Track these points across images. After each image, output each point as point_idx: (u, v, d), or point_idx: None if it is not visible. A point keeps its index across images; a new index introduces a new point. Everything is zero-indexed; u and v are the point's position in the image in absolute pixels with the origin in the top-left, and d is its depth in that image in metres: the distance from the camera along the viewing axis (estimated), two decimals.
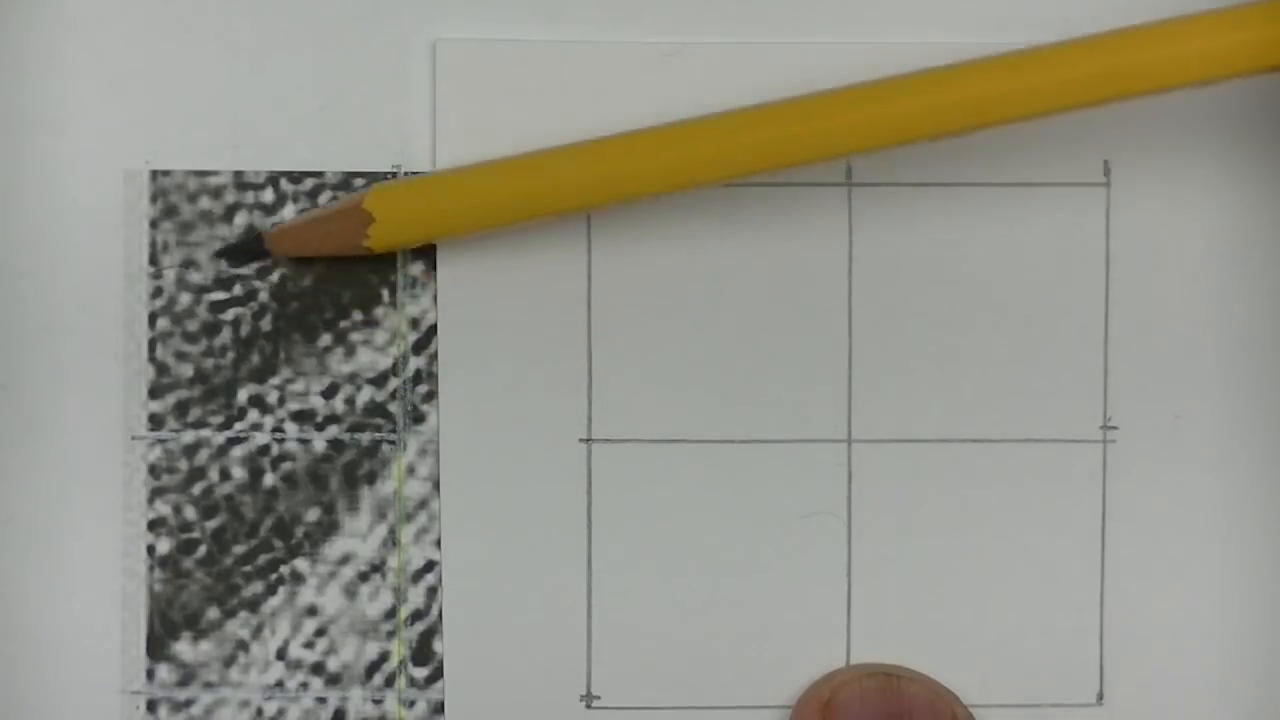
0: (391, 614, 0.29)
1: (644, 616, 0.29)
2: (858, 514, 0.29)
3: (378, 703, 0.29)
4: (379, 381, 0.29)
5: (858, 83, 0.26)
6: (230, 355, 0.29)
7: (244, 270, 0.29)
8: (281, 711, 0.29)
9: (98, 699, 0.29)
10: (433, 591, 0.29)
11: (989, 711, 0.28)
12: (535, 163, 0.27)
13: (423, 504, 0.29)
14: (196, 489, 0.29)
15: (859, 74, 0.28)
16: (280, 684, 0.29)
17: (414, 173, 0.28)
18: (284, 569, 0.29)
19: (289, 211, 0.29)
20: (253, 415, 0.29)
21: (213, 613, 0.29)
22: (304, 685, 0.29)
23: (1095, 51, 0.26)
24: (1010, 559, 0.29)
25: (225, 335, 0.29)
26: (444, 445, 0.28)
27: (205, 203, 0.29)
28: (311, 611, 0.29)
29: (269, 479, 0.29)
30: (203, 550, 0.29)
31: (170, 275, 0.29)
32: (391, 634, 0.29)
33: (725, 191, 0.28)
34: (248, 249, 0.28)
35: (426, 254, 0.29)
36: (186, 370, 0.29)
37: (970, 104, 0.26)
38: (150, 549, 0.29)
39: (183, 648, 0.29)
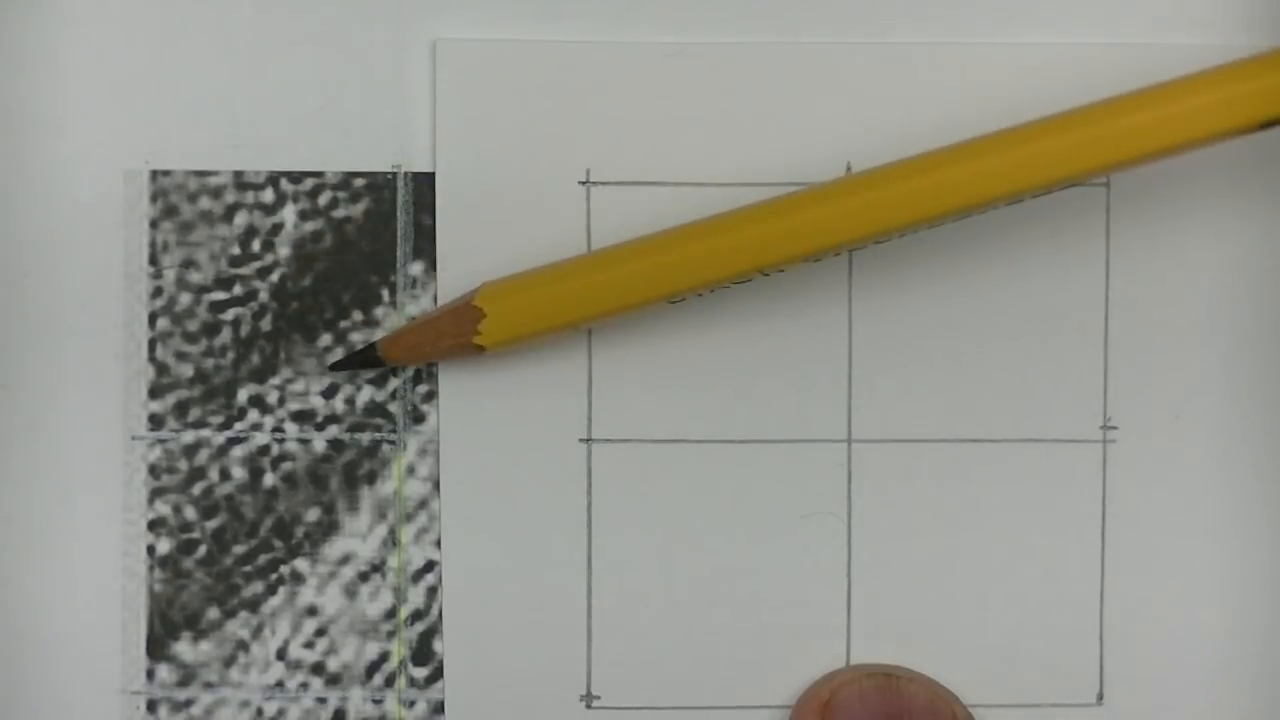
0: (391, 614, 0.29)
1: (644, 616, 0.29)
2: (858, 514, 0.29)
3: (378, 703, 0.29)
4: (379, 381, 0.29)
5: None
6: (230, 355, 0.29)
7: (244, 270, 0.29)
8: (281, 711, 0.29)
9: (98, 699, 0.29)
10: (433, 591, 0.29)
11: (989, 711, 0.28)
12: (644, 247, 0.27)
13: (423, 504, 0.29)
14: (196, 489, 0.29)
15: (859, 74, 0.28)
16: (280, 684, 0.29)
17: (417, 174, 0.28)
18: (284, 569, 0.29)
19: (289, 211, 0.29)
20: (253, 415, 0.29)
21: (213, 613, 0.29)
22: (304, 685, 0.29)
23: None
24: (1010, 559, 0.29)
25: (225, 335, 0.29)
26: (444, 445, 0.28)
27: (205, 203, 0.29)
28: (311, 611, 0.29)
29: (269, 479, 0.29)
30: (203, 550, 0.29)
31: (170, 275, 0.29)
32: (391, 634, 0.29)
33: (725, 191, 0.28)
34: (363, 359, 0.28)
35: (427, 254, 0.29)
36: (186, 370, 0.29)
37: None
38: (150, 549, 0.29)
39: (183, 648, 0.29)
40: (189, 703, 0.29)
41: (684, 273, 0.26)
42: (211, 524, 0.29)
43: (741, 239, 0.26)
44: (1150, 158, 0.25)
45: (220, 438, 0.29)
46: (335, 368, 0.28)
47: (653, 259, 0.27)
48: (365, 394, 0.29)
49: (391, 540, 0.29)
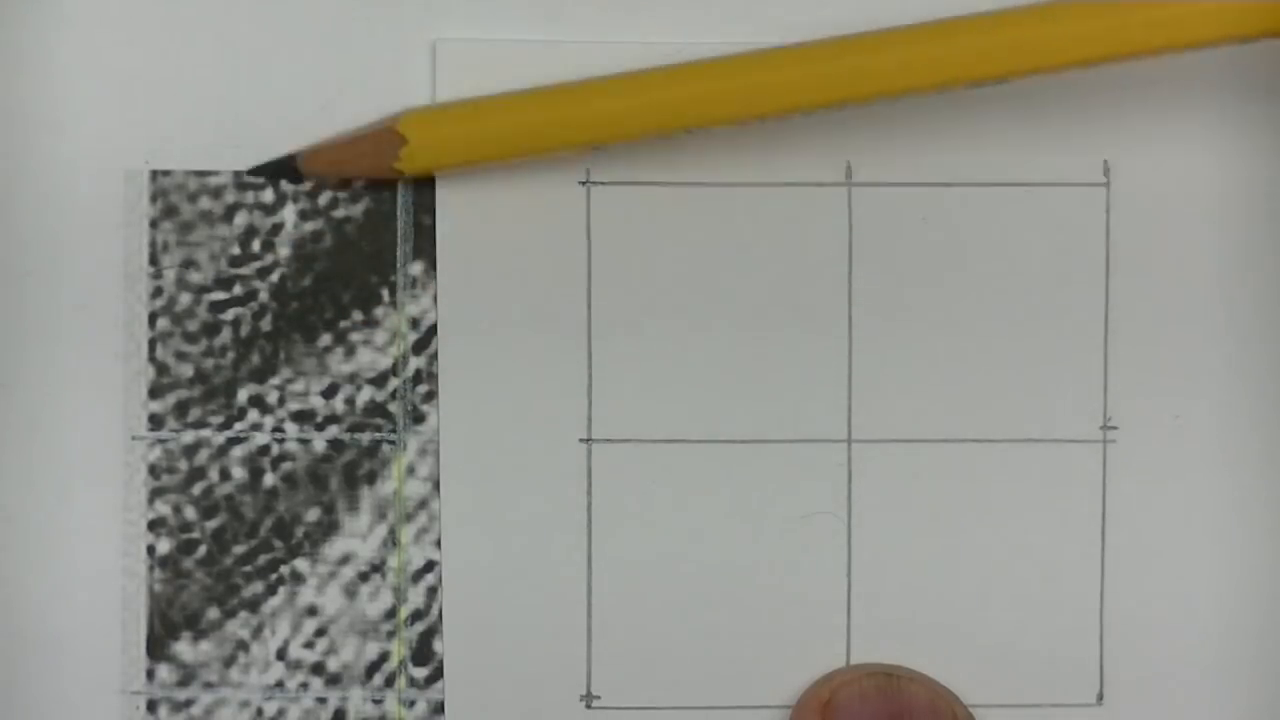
0: (391, 614, 0.29)
1: (644, 616, 0.29)
2: (858, 514, 0.29)
3: (378, 703, 0.29)
4: (379, 381, 0.29)
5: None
6: (230, 355, 0.29)
7: (244, 270, 0.29)
8: (281, 711, 0.29)
9: (98, 699, 0.29)
10: (433, 591, 0.29)
11: (989, 711, 0.28)
12: (570, 91, 0.27)
13: (423, 504, 0.29)
14: (196, 489, 0.29)
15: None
16: (280, 684, 0.29)
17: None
18: (284, 569, 0.29)
19: (289, 211, 0.29)
20: (253, 415, 0.29)
21: (213, 613, 0.29)
22: (304, 685, 0.29)
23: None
24: (1010, 559, 0.29)
25: (225, 335, 0.29)
26: (444, 445, 0.28)
27: (205, 203, 0.29)
28: (311, 611, 0.29)
29: (269, 479, 0.29)
30: (203, 550, 0.29)
31: (170, 275, 0.29)
32: (391, 634, 0.29)
33: (725, 191, 0.28)
34: (280, 169, 0.28)
35: (427, 254, 0.29)
36: (186, 370, 0.29)
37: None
38: (150, 549, 0.29)
39: (183, 648, 0.29)
40: (189, 703, 0.29)
41: (606, 122, 0.27)
42: (211, 524, 0.29)
43: (664, 94, 0.26)
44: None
45: (220, 438, 0.29)
46: (254, 173, 0.28)
47: (581, 104, 0.27)
48: (365, 394, 0.29)
49: (391, 540, 0.29)
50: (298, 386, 0.29)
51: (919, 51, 0.26)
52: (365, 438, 0.29)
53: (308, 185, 0.29)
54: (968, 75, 0.26)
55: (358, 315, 0.29)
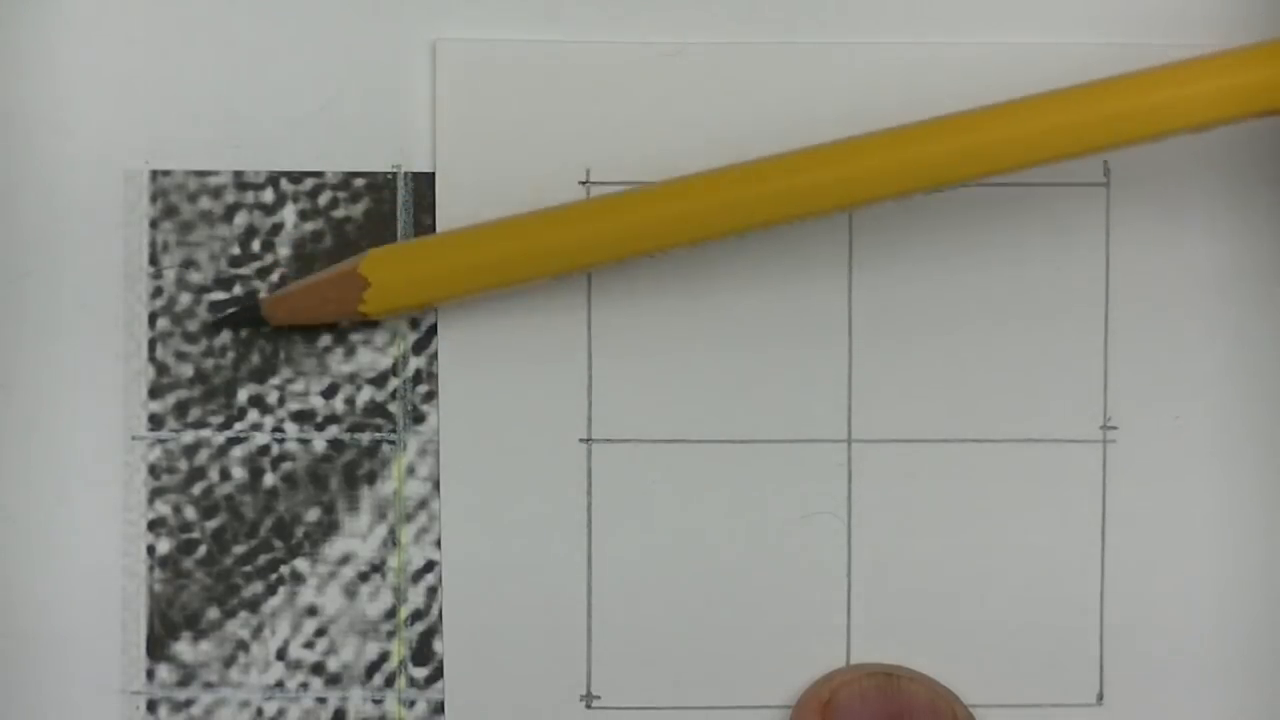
0: (391, 614, 0.29)
1: (644, 616, 0.29)
2: (858, 514, 0.29)
3: (378, 703, 0.29)
4: (379, 381, 0.29)
5: (853, 137, 0.26)
6: (230, 355, 0.29)
7: (244, 270, 0.29)
8: (281, 711, 0.29)
9: (98, 699, 0.29)
10: (433, 591, 0.29)
11: (989, 711, 0.28)
12: (533, 223, 0.27)
13: (423, 504, 0.29)
14: (196, 489, 0.29)
15: (858, 75, 0.28)
16: (280, 684, 0.29)
17: (417, 174, 0.28)
18: (284, 569, 0.29)
19: (289, 211, 0.29)
20: (253, 415, 0.29)
21: (213, 613, 0.29)
22: (304, 685, 0.29)
23: (1091, 98, 0.26)
24: (1010, 559, 0.29)
25: (225, 335, 0.29)
26: (444, 445, 0.28)
27: (205, 203, 0.29)
28: (311, 611, 0.29)
29: (269, 479, 0.29)
30: (203, 550, 0.29)
31: (170, 275, 0.29)
32: (391, 634, 0.29)
33: None
34: (244, 317, 0.28)
35: None
36: (186, 370, 0.29)
37: (969, 153, 0.26)
38: (150, 549, 0.29)
39: (183, 648, 0.29)
40: (189, 703, 0.29)
41: (572, 252, 0.27)
42: (211, 524, 0.29)
43: (630, 220, 0.26)
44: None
45: (220, 438, 0.29)
46: (216, 324, 0.28)
47: (543, 232, 0.27)
48: (365, 394, 0.29)
49: (391, 540, 0.29)
50: (298, 386, 0.29)
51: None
52: (365, 438, 0.29)
53: (308, 185, 0.29)
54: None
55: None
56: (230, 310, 0.28)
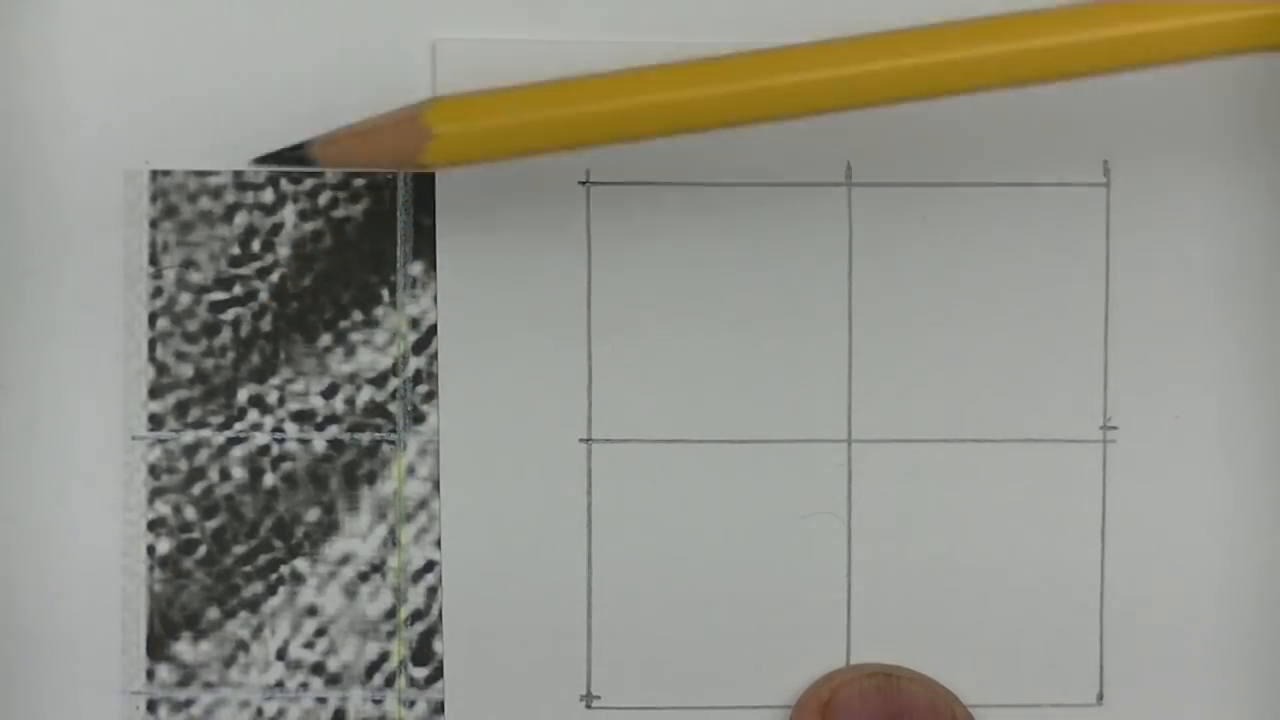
0: (391, 614, 0.29)
1: (644, 616, 0.29)
2: (858, 514, 0.29)
3: (378, 703, 0.29)
4: (379, 381, 0.29)
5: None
6: (230, 355, 0.29)
7: (244, 270, 0.29)
8: (281, 711, 0.29)
9: (98, 699, 0.29)
10: (433, 591, 0.29)
11: (989, 711, 0.28)
12: (604, 84, 0.26)
13: (423, 504, 0.29)
14: (196, 489, 0.29)
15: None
16: (280, 684, 0.29)
17: (417, 174, 0.28)
18: (284, 569, 0.29)
19: (289, 211, 0.29)
20: (253, 415, 0.29)
21: (213, 613, 0.29)
22: (304, 685, 0.29)
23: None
24: (1010, 559, 0.29)
25: (225, 335, 0.29)
26: (444, 445, 0.28)
27: (205, 203, 0.29)
28: (311, 611, 0.29)
29: (269, 479, 0.29)
30: (203, 550, 0.29)
31: (170, 275, 0.29)
32: (391, 634, 0.29)
33: (725, 191, 0.28)
34: (292, 156, 0.26)
35: (426, 254, 0.29)
36: (186, 370, 0.29)
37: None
38: (150, 549, 0.29)
39: (183, 648, 0.29)
40: (189, 703, 0.29)
41: (649, 116, 0.25)
42: (211, 524, 0.29)
43: (713, 90, 0.25)
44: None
45: (220, 438, 0.29)
46: (261, 161, 0.27)
47: (622, 98, 0.25)
48: (365, 394, 0.29)
49: (391, 540, 0.29)
50: (298, 386, 0.29)
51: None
52: (365, 438, 0.29)
53: (307, 185, 0.29)
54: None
55: (358, 315, 0.29)
56: (276, 151, 0.27)
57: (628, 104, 0.25)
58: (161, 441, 0.29)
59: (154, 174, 0.29)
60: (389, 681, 0.29)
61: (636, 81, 0.26)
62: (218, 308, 0.29)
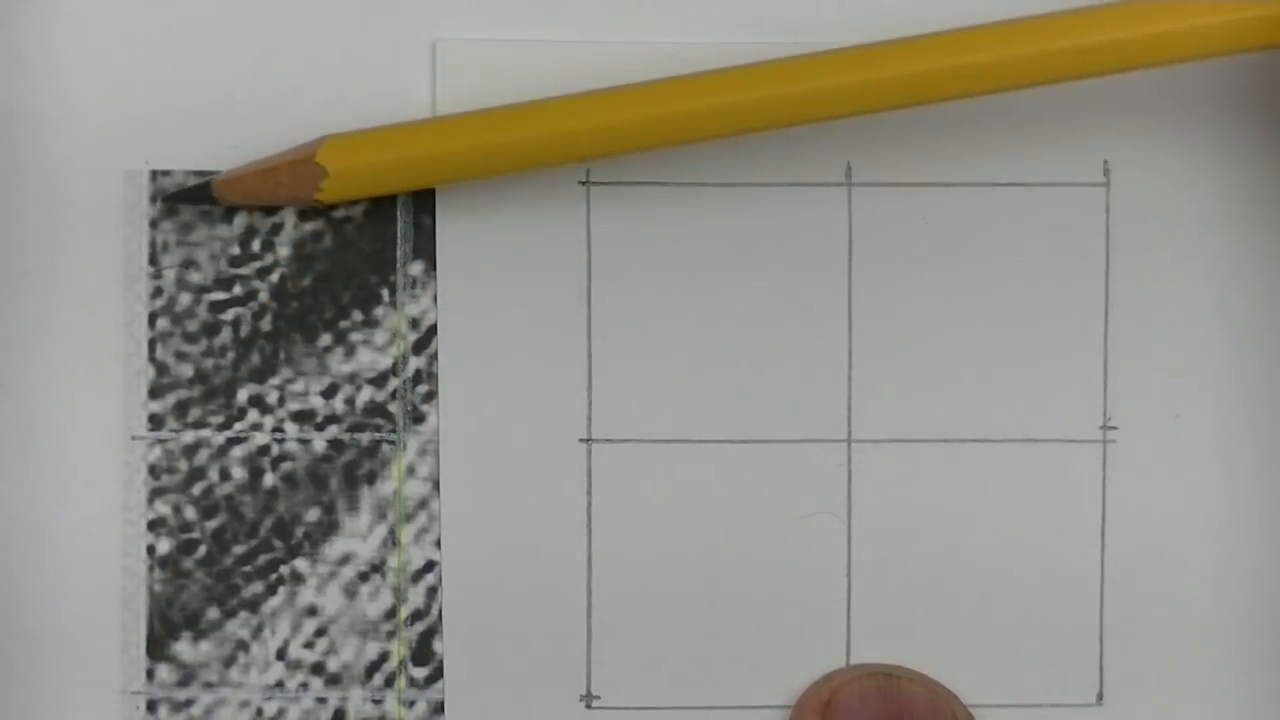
0: (391, 614, 0.29)
1: (644, 616, 0.29)
2: (858, 514, 0.29)
3: (378, 703, 0.29)
4: (379, 381, 0.29)
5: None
6: (230, 355, 0.29)
7: (244, 270, 0.29)
8: (281, 711, 0.29)
9: (98, 699, 0.29)
10: (433, 591, 0.29)
11: (989, 711, 0.28)
12: (490, 119, 0.27)
13: (423, 504, 0.29)
14: (196, 489, 0.29)
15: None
16: (280, 684, 0.29)
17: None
18: (284, 569, 0.29)
19: (288, 211, 0.29)
20: (253, 415, 0.29)
21: (213, 613, 0.29)
22: (304, 685, 0.29)
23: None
24: (1010, 559, 0.29)
25: (225, 335, 0.29)
26: (444, 445, 0.28)
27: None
28: (311, 611, 0.29)
29: (269, 479, 0.29)
30: (203, 550, 0.29)
31: (170, 275, 0.29)
32: (391, 634, 0.29)
33: (725, 191, 0.28)
34: (195, 194, 0.28)
35: (426, 254, 0.29)
36: (186, 370, 0.29)
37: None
38: (150, 549, 0.29)
39: (183, 648, 0.29)
40: (189, 703, 0.29)
41: (534, 149, 0.26)
42: (211, 524, 0.29)
43: (590, 122, 0.26)
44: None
45: (220, 438, 0.29)
46: (168, 199, 0.28)
47: (499, 131, 0.27)
48: (365, 394, 0.29)
49: (391, 540, 0.29)
50: (298, 386, 0.29)
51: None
52: (365, 438, 0.29)
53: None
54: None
55: (358, 315, 0.29)
56: (181, 190, 0.28)
57: (500, 139, 0.27)
58: (161, 441, 0.29)
59: (154, 174, 0.29)
60: (389, 681, 0.29)
61: (530, 113, 0.27)
62: (218, 308, 0.29)
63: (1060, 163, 0.28)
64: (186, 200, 0.28)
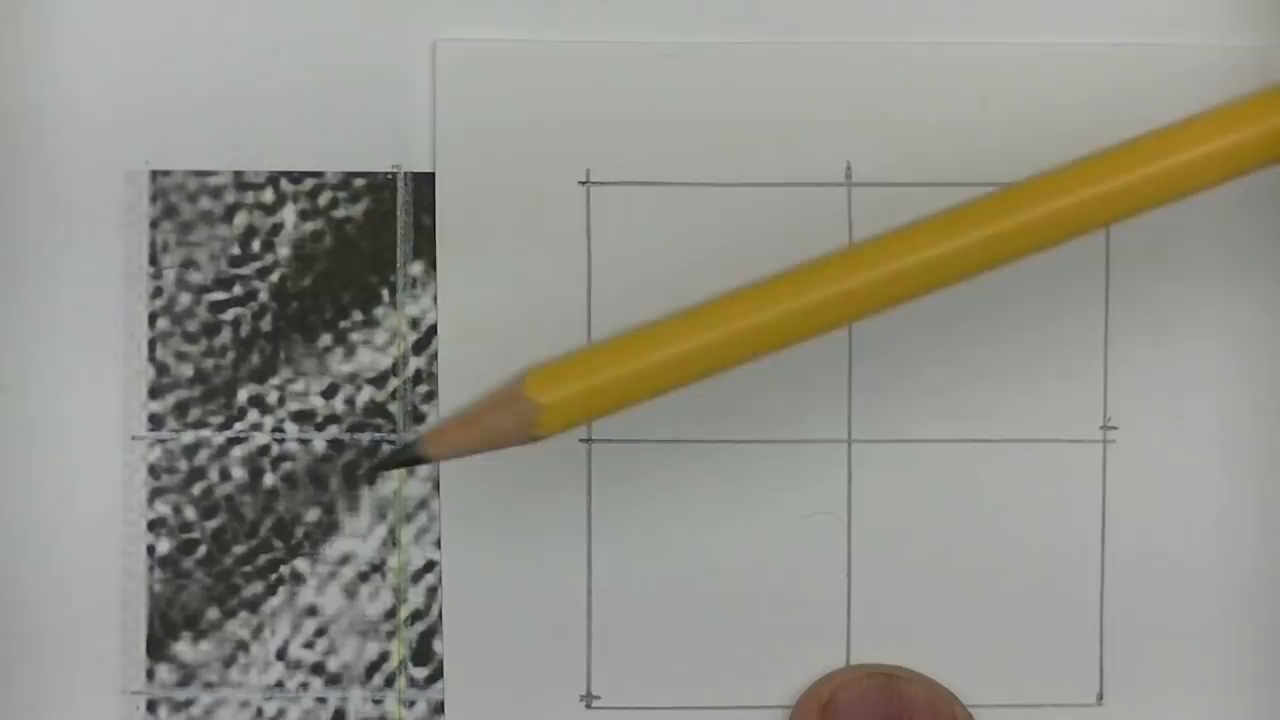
0: (391, 614, 0.29)
1: (644, 616, 0.29)
2: (858, 514, 0.29)
3: (378, 703, 0.29)
4: (379, 381, 0.29)
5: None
6: (230, 355, 0.29)
7: (244, 270, 0.29)
8: (281, 711, 0.29)
9: (98, 699, 0.29)
10: (433, 591, 0.29)
11: (989, 711, 0.28)
12: (689, 322, 0.26)
13: (423, 504, 0.29)
14: (196, 489, 0.29)
15: (859, 75, 0.28)
16: (280, 684, 0.29)
17: (417, 174, 0.28)
18: (284, 569, 0.29)
19: (289, 211, 0.29)
20: (253, 415, 0.29)
21: (213, 613, 0.29)
22: (304, 685, 0.29)
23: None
24: (1010, 559, 0.29)
25: (225, 335, 0.29)
26: None
27: (205, 203, 0.29)
28: (311, 611, 0.29)
29: (269, 479, 0.29)
30: (203, 550, 0.29)
31: (170, 275, 0.29)
32: (391, 634, 0.29)
33: (725, 191, 0.28)
34: (405, 458, 0.26)
35: (426, 254, 0.29)
36: (186, 370, 0.29)
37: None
38: (150, 549, 0.29)
39: (183, 648, 0.29)
40: (189, 703, 0.29)
41: (734, 348, 0.26)
42: (211, 524, 0.29)
43: (789, 311, 0.26)
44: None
45: (220, 438, 0.29)
46: (377, 468, 0.28)
47: (704, 336, 0.26)
48: (365, 394, 0.29)
49: (391, 540, 0.29)
50: (298, 386, 0.29)
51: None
52: (365, 438, 0.29)
53: (308, 185, 0.29)
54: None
55: (358, 315, 0.29)
56: (389, 453, 0.28)
57: (715, 337, 0.26)
58: (161, 441, 0.29)
59: (154, 174, 0.29)
60: (389, 681, 0.29)
61: (719, 314, 0.26)
62: (218, 308, 0.29)
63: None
64: (397, 465, 0.27)
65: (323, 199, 0.29)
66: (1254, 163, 0.25)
